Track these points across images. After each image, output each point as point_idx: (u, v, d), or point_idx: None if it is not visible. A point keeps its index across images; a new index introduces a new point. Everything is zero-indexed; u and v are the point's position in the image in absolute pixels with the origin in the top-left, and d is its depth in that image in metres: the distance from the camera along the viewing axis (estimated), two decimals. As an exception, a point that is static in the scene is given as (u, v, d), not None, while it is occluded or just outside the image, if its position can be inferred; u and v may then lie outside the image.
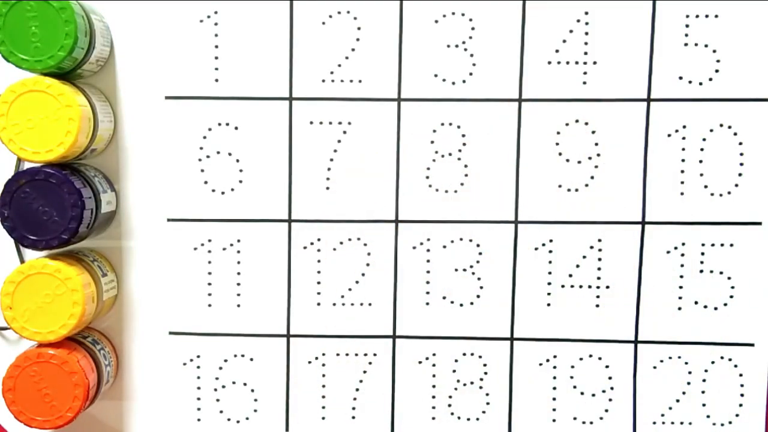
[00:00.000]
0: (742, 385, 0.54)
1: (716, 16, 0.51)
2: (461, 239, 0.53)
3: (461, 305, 0.54)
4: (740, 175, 0.52)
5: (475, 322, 0.54)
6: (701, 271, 0.53)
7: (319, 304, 0.54)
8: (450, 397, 0.54)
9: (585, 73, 0.52)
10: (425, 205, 0.53)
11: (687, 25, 0.52)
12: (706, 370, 0.54)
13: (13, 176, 0.47)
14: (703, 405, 0.54)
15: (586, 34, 0.52)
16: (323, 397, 0.54)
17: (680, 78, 0.52)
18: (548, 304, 0.54)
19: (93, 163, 0.52)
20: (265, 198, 0.53)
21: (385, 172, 0.53)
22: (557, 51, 0.52)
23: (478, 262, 0.53)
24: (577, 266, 0.53)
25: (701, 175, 0.52)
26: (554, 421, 0.54)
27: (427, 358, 0.54)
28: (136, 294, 0.54)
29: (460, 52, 0.52)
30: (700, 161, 0.52)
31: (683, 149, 0.52)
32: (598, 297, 0.53)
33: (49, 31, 0.46)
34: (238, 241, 0.53)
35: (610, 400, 0.54)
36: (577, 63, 0.52)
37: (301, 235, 0.53)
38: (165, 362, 0.54)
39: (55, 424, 0.48)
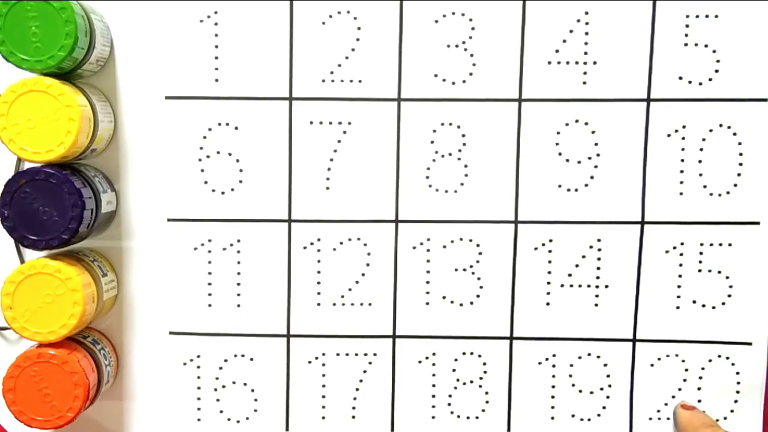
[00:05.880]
0: (738, 383, 0.54)
1: (716, 16, 0.51)
2: (461, 239, 0.53)
3: (461, 305, 0.54)
4: (739, 175, 0.53)
5: (475, 322, 0.54)
6: (700, 271, 0.53)
7: (319, 304, 0.54)
8: (450, 396, 0.54)
9: (585, 73, 0.52)
10: (425, 205, 0.53)
11: (687, 25, 0.52)
12: (703, 368, 0.54)
13: (13, 176, 0.47)
14: (699, 401, 0.54)
15: (586, 34, 0.52)
16: (323, 397, 0.54)
17: (680, 78, 0.52)
18: (547, 304, 0.54)
19: (93, 163, 0.52)
20: (265, 198, 0.53)
21: (385, 172, 0.53)
22: (557, 51, 0.52)
23: (478, 262, 0.53)
24: (577, 266, 0.53)
25: (700, 175, 0.53)
26: (552, 418, 0.55)
27: (426, 358, 0.54)
28: (136, 294, 0.54)
29: (460, 52, 0.52)
30: (700, 161, 0.53)
31: (683, 149, 0.52)
32: (597, 296, 0.54)
33: (49, 31, 0.46)
34: (238, 241, 0.53)
35: (608, 397, 0.54)
36: (577, 63, 0.52)
37: (301, 235, 0.53)
38: (165, 362, 0.54)
39: (56, 424, 0.48)
